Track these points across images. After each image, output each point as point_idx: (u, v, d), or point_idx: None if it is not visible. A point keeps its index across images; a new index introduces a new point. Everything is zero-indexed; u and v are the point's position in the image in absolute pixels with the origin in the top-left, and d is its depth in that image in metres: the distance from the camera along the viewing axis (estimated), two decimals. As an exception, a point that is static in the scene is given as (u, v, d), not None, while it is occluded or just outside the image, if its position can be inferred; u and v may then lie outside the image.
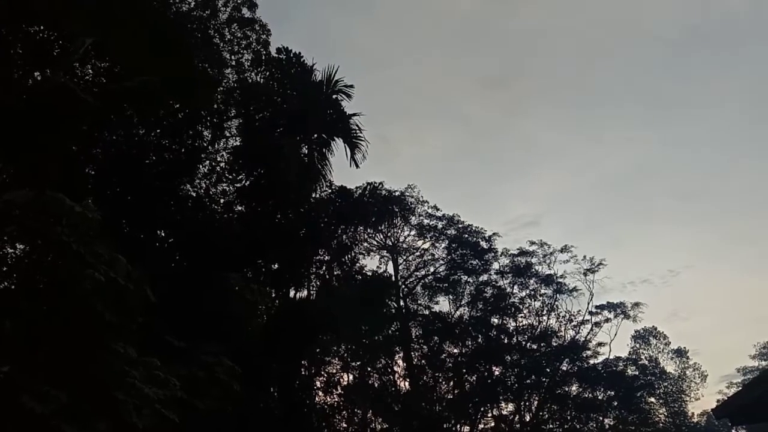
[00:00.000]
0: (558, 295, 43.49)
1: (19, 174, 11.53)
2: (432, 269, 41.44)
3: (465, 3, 67.90)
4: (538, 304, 43.57)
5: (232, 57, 22.56)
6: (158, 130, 19.16)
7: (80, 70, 16.56)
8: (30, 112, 9.80)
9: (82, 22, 12.11)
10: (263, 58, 23.67)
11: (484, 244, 41.56)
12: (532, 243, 43.34)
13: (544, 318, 43.77)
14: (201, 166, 21.46)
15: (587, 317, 44.44)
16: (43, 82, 12.76)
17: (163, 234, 19.68)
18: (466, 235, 41.39)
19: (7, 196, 9.78)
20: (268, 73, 24.28)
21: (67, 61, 13.03)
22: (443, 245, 41.35)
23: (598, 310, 44.78)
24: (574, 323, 44.24)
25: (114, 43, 13.07)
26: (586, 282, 43.76)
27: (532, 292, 43.37)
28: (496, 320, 42.41)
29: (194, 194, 20.87)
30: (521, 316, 43.26)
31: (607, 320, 44.76)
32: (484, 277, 42.01)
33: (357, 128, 26.53)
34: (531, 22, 73.01)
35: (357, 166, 26.61)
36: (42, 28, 14.55)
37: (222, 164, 22.48)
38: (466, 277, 41.45)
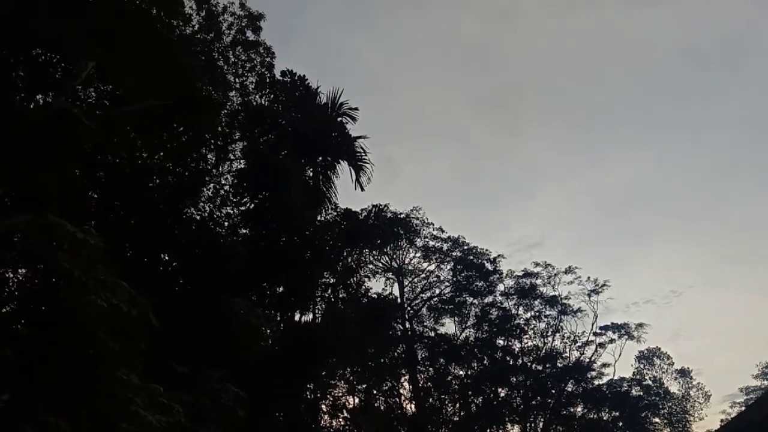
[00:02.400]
0: (563, 316, 43.54)
1: (21, 198, 11.40)
2: (437, 291, 41.30)
3: (466, 25, 68.49)
4: (543, 325, 43.52)
5: (237, 80, 22.54)
6: (162, 153, 19.03)
7: (83, 93, 16.52)
8: (32, 136, 9.69)
9: (85, 45, 12.06)
10: (268, 80, 23.65)
11: (489, 266, 41.47)
12: (537, 264, 43.41)
13: (549, 339, 43.69)
14: (205, 189, 21.30)
15: (592, 338, 44.46)
16: (45, 106, 12.69)
17: (166, 258, 19.46)
18: (471, 257, 41.29)
19: (8, 221, 9.64)
20: (272, 96, 24.26)
21: (69, 84, 12.96)
22: (448, 267, 41.31)
23: (603, 331, 44.71)
24: (578, 344, 44.16)
25: (117, 66, 13.01)
26: (591, 303, 43.76)
27: (537, 314, 43.33)
28: (501, 342, 42.27)
29: (198, 217, 20.69)
30: (526, 338, 43.26)
31: (612, 341, 44.73)
32: (489, 299, 41.97)
33: (362, 151, 26.46)
34: (531, 43, 73.57)
35: (362, 189, 26.48)
36: (44, 51, 14.53)
37: (226, 187, 22.33)
38: (472, 298, 41.29)
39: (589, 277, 43.80)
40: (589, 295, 43.64)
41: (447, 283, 41.41)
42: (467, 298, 41.20)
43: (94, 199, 17.39)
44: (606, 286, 43.56)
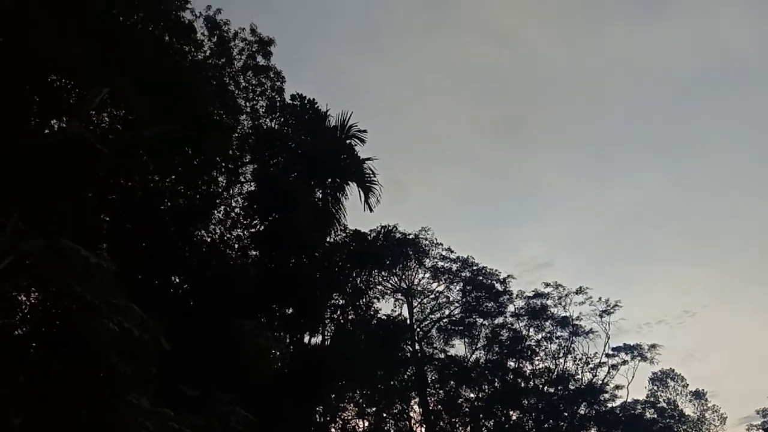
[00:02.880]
0: (574, 337, 43.03)
1: (35, 222, 11.55)
2: (447, 312, 41.05)
3: (474, 48, 69.03)
4: (554, 346, 43.04)
5: (247, 104, 22.83)
6: (173, 176, 19.26)
7: (96, 118, 16.80)
8: (46, 160, 9.85)
9: (99, 71, 12.29)
10: (278, 104, 23.94)
11: (498, 287, 41.24)
12: (547, 285, 43.05)
13: (561, 361, 43.18)
14: (216, 212, 21.51)
15: (604, 359, 43.89)
16: (59, 132, 12.91)
17: (177, 280, 19.59)
18: (481, 278, 41.08)
19: (22, 245, 9.76)
20: (282, 119, 24.53)
21: (83, 109, 13.19)
22: (458, 288, 41.08)
23: (615, 353, 44.18)
24: (591, 366, 43.60)
25: (130, 92, 13.23)
26: (602, 324, 43.31)
27: (548, 335, 42.89)
28: (512, 363, 41.85)
29: (209, 240, 20.86)
30: (538, 359, 42.77)
31: (624, 362, 44.15)
32: (499, 320, 41.63)
33: (371, 172, 26.59)
34: (538, 65, 73.95)
35: (371, 210, 26.57)
36: (58, 77, 14.81)
37: (237, 209, 22.52)
38: (482, 319, 41.01)
39: (600, 298, 43.42)
40: (601, 316, 43.23)
41: (456, 304, 41.21)
42: (477, 319, 40.93)
43: (106, 222, 17.58)
44: (618, 307, 43.14)
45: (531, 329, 42.59)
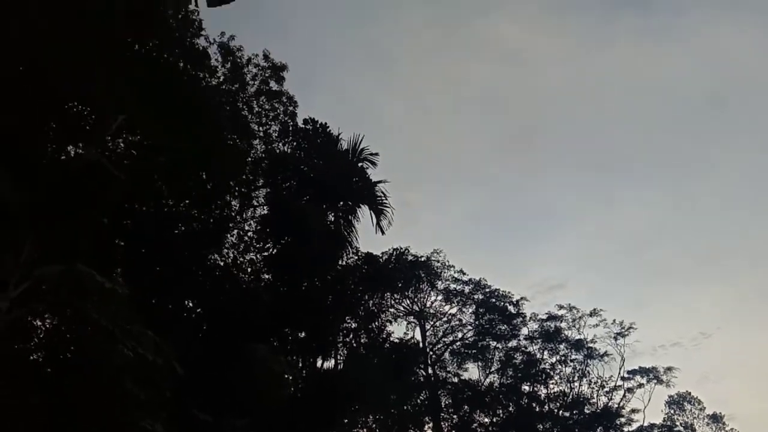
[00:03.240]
0: (589, 360, 42.56)
1: (51, 247, 11.67)
2: (460, 335, 40.72)
3: (481, 68, 69.45)
4: (569, 369, 42.52)
5: (260, 128, 23.06)
6: (187, 201, 19.43)
7: (112, 143, 17.04)
8: (63, 186, 9.98)
9: (116, 98, 12.48)
10: (290, 128, 24.17)
11: (511, 309, 40.90)
12: (561, 307, 42.69)
13: (576, 384, 42.59)
14: (229, 236, 21.62)
15: (619, 383, 43.31)
16: (76, 158, 13.09)
17: (191, 304, 19.65)
18: (494, 300, 40.79)
19: (39, 271, 9.85)
20: (295, 143, 24.75)
21: (100, 136, 13.39)
22: (470, 310, 40.79)
23: (631, 376, 43.58)
24: (606, 389, 43.01)
25: (145, 118, 13.42)
26: (617, 346, 42.84)
27: (563, 358, 42.41)
28: (527, 387, 41.37)
29: (222, 264, 20.94)
30: (552, 383, 42.18)
31: (640, 385, 43.53)
32: (513, 343, 41.19)
33: (382, 195, 26.70)
34: (546, 86, 74.11)
35: (383, 233, 26.63)
36: (76, 104, 15.06)
37: (250, 233, 22.64)
38: (495, 342, 40.64)
39: (614, 320, 42.98)
40: (616, 338, 42.77)
41: (469, 327, 40.86)
42: (490, 343, 40.56)
43: (121, 247, 17.70)
44: (632, 329, 42.69)
45: (545, 352, 42.19)
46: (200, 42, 19.08)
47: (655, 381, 43.54)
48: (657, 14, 70.21)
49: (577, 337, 42.48)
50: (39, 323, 14.35)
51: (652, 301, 74.67)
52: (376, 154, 26.89)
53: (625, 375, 43.29)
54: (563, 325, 42.37)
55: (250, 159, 21.74)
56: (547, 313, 42.43)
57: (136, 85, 10.91)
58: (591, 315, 42.54)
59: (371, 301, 27.47)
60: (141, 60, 11.16)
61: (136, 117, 13.71)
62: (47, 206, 9.97)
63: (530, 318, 41.78)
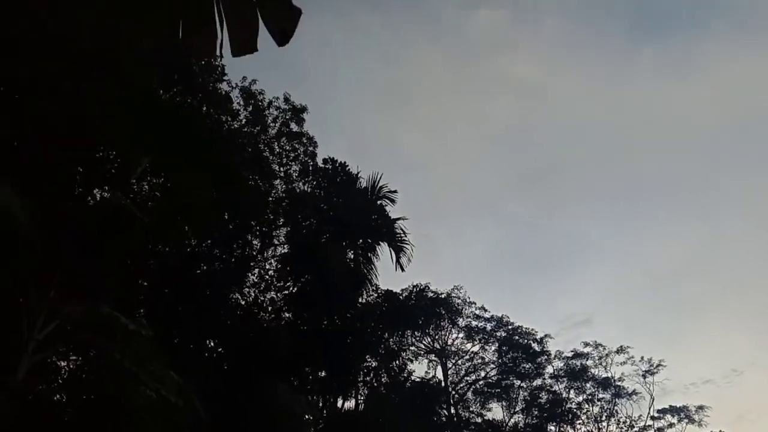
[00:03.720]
0: (617, 399, 41.43)
1: (76, 288, 11.92)
2: (483, 373, 40.07)
3: (500, 103, 69.77)
4: (596, 409, 41.45)
5: (281, 168, 23.45)
6: (209, 241, 19.72)
7: (137, 186, 17.46)
8: (90, 230, 10.24)
9: (142, 143, 12.87)
10: (310, 168, 24.56)
11: (536, 347, 40.24)
12: (587, 344, 41.87)
13: (604, 424, 41.44)
14: (250, 275, 21.83)
15: (649, 422, 41.89)
16: (103, 202, 13.44)
17: (212, 344, 19.75)
18: (517, 337, 40.20)
19: (64, 311, 10.07)
20: (315, 183, 25.11)
21: (126, 179, 13.77)
22: (493, 348, 40.18)
23: (661, 415, 42.18)
24: (635, 429, 41.66)
25: (170, 161, 13.79)
26: (646, 384, 41.68)
27: (590, 397, 41.40)
28: (552, 428, 40.34)
29: (243, 303, 21.09)
30: (579, 423, 41.04)
31: (671, 425, 42.04)
32: (538, 382, 40.38)
33: (401, 232, 26.84)
34: (568, 119, 74.16)
35: (402, 270, 26.69)
36: (103, 149, 15.55)
37: (270, 272, 22.83)
38: (519, 381, 39.88)
39: (642, 357, 41.94)
40: (644, 376, 41.67)
41: (492, 365, 40.23)
42: (514, 381, 39.82)
43: (144, 287, 17.96)
44: (661, 366, 41.58)
45: (571, 391, 41.24)
46: (223, 87, 19.60)
47: (687, 420, 42.13)
48: (675, 48, 70.26)
49: (605, 375, 41.57)
50: (63, 363, 14.55)
51: (681, 336, 72.82)
52: (395, 191, 27.18)
53: (655, 414, 42.02)
54: (589, 362, 41.54)
55: (271, 199, 22.07)
56: (572, 351, 41.68)
57: (161, 130, 11.27)
58: (618, 352, 41.67)
59: (391, 339, 27.34)
60: (166, 106, 11.55)
61: (161, 160, 14.08)
62: (74, 248, 10.22)
63: (555, 356, 41.04)
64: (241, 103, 21.70)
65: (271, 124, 22.80)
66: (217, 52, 5.71)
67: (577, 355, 41.46)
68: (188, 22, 5.42)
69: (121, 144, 13.40)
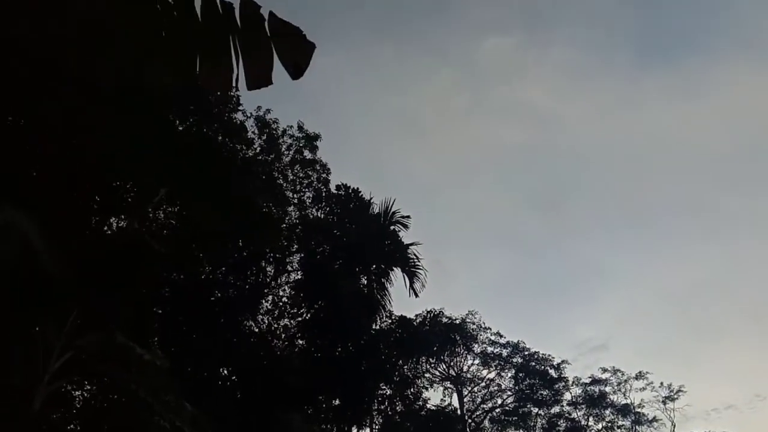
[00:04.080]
0: (637, 426, 40.82)
1: (92, 318, 11.99)
2: (499, 401, 39.55)
3: (511, 128, 69.87)
4: (616, 437, 40.66)
5: (295, 195, 23.66)
6: (224, 268, 19.82)
7: (153, 214, 17.65)
8: (106, 258, 10.33)
9: (156, 173, 13.02)
10: (324, 194, 24.73)
11: (553, 373, 39.66)
12: (604, 370, 41.31)
13: (625, 453, 40.61)
14: (264, 301, 21.86)
15: (672, 450, 41.01)
16: (120, 232, 13.59)
17: (225, 372, 19.70)
18: (533, 363, 39.68)
19: (79, 341, 10.10)
20: (328, 209, 25.23)
21: (141, 209, 13.92)
22: (510, 374, 39.69)
23: (682, 442, 41.36)
24: (658, 457, 40.82)
25: (185, 191, 13.92)
26: (666, 411, 40.95)
27: (609, 424, 40.77)
28: (572, 457, 39.58)
29: (257, 330, 21.08)
30: (599, 452, 40.29)
31: (694, 452, 41.22)
32: (555, 409, 39.78)
33: (415, 257, 26.76)
34: (579, 143, 74.07)
35: (416, 296, 26.55)
36: (120, 180, 15.76)
37: (284, 299, 22.84)
38: (537, 409, 39.30)
39: (662, 383, 41.24)
40: (664, 403, 40.95)
41: (509, 392, 39.69)
42: (532, 409, 39.23)
43: (159, 315, 18.02)
44: (682, 392, 40.86)
45: (590, 418, 40.62)
46: (238, 116, 19.95)
47: (710, 447, 41.31)
48: (683, 71, 70.15)
49: (624, 401, 40.93)
50: (77, 392, 14.57)
51: (701, 361, 71.48)
52: (408, 216, 27.18)
53: (677, 442, 41.23)
54: (608, 389, 40.95)
55: (284, 225, 22.20)
56: (590, 377, 41.13)
57: (177, 160, 11.41)
58: (637, 378, 41.04)
59: (406, 367, 27.09)
60: (183, 136, 11.73)
61: (176, 190, 14.21)
62: (91, 279, 10.30)
63: (573, 382, 40.50)
64: (256, 132, 22.03)
65: (285, 152, 23.08)
66: (233, 86, 5.80)
67: (595, 381, 40.90)
68: (205, 57, 5.54)
69: (138, 174, 13.56)
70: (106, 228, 15.95)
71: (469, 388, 39.25)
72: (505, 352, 39.74)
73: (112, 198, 15.62)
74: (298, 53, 5.30)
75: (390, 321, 26.45)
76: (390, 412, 25.71)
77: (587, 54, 67.64)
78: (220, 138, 17.99)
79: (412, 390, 26.42)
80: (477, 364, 39.44)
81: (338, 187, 25.91)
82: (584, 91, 68.40)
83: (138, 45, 5.45)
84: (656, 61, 73.96)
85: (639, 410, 40.66)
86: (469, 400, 38.87)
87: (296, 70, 5.36)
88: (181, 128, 16.12)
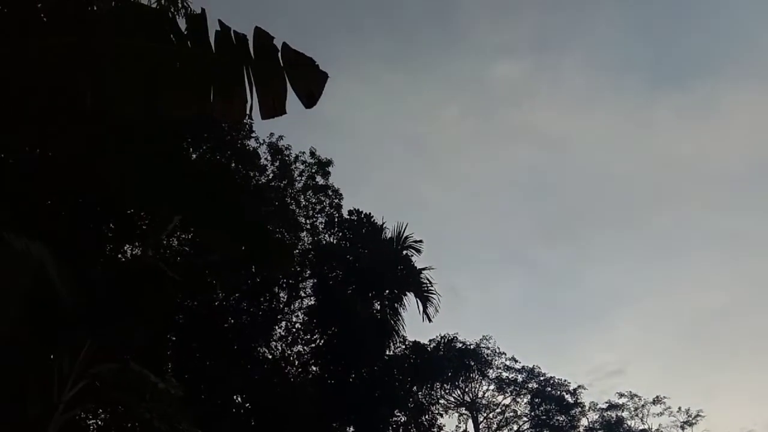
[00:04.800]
0: (656, 452, 39.89)
1: (106, 346, 12.01)
2: (515, 427, 39.02)
3: (523, 152, 69.85)
4: (635, 464, 39.91)
5: (307, 221, 23.77)
6: (237, 294, 19.85)
7: (166, 241, 17.76)
8: (121, 288, 10.38)
9: (170, 201, 13.11)
10: (336, 220, 24.81)
11: (569, 398, 39.17)
12: (621, 395, 40.81)
13: (644, 479, 39.81)
14: (277, 328, 21.83)
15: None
16: (134, 260, 13.67)
17: (239, 399, 19.61)
18: (549, 389, 39.20)
19: (93, 369, 10.11)
20: (340, 234, 25.27)
21: (156, 237, 14.00)
22: (525, 400, 39.29)
23: (702, 467, 40.48)
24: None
25: (199, 218, 14.00)
26: (685, 436, 40.14)
27: (628, 450, 39.94)
28: (591, 484, 38.84)
29: (270, 357, 21.01)
30: (619, 479, 39.49)
31: (714, 478, 40.29)
32: (573, 435, 39.11)
33: (428, 282, 26.66)
34: (592, 167, 73.91)
35: (430, 321, 26.39)
36: (132, 205, 15.91)
37: (297, 324, 22.82)
38: (553, 435, 38.67)
39: (680, 407, 40.67)
40: (683, 428, 40.38)
41: (525, 418, 39.19)
42: (549, 435, 38.66)
43: (172, 342, 18.02)
44: (700, 417, 40.24)
45: (608, 445, 39.90)
46: (251, 143, 20.16)
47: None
48: (696, 94, 70.08)
49: (641, 427, 40.40)
50: (92, 421, 14.53)
51: (720, 385, 70.13)
52: (420, 241, 27.14)
53: (697, 467, 40.38)
54: (625, 414, 40.45)
55: (297, 251, 22.25)
56: (607, 402, 40.66)
57: (191, 187, 11.49)
58: (654, 403, 40.52)
59: (420, 393, 26.83)
60: (196, 164, 11.84)
61: (190, 217, 14.29)
62: (105, 306, 10.34)
63: (589, 407, 40.08)
64: (269, 158, 22.23)
65: (298, 178, 23.24)
66: (247, 115, 5.86)
67: (612, 406, 40.40)
68: (219, 88, 5.61)
69: (152, 202, 13.68)
70: (120, 255, 16.06)
71: (485, 414, 38.80)
72: (520, 378, 39.40)
73: (127, 226, 15.76)
74: (311, 83, 5.38)
75: (404, 346, 26.29)
76: (405, 440, 25.39)
77: (599, 78, 67.84)
78: (233, 164, 18.17)
79: (426, 417, 26.10)
80: (492, 390, 39.13)
81: (351, 213, 25.99)
82: (596, 115, 68.47)
83: (152, 76, 5.55)
84: (669, 85, 74.00)
85: (658, 436, 40.01)
86: (484, 427, 38.42)
87: (309, 100, 5.44)
88: (194, 155, 16.31)
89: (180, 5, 13.82)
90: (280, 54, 5.22)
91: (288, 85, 5.34)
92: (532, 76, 65.97)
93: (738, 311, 73.10)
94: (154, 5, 13.71)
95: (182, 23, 5.51)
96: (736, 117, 69.08)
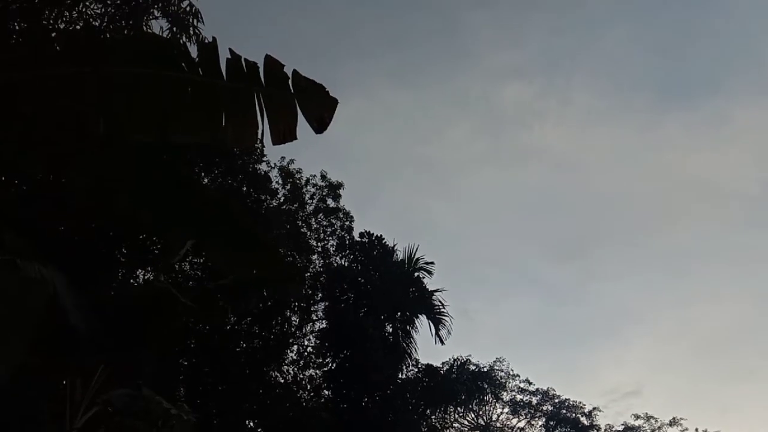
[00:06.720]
0: (672, 474, 39.03)
1: (118, 371, 12.00)
2: (531, 450, 38.36)
3: (533, 172, 69.85)
4: (653, 487, 39.07)
5: (318, 244, 23.81)
6: (249, 318, 19.82)
7: (178, 266, 17.82)
8: (134, 315, 10.39)
9: (181, 226, 13.17)
10: (347, 242, 24.82)
11: (584, 420, 38.54)
12: (637, 417, 40.05)
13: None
14: (289, 351, 21.76)
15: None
16: (147, 285, 13.71)
17: (251, 424, 19.49)
18: (564, 411, 38.63)
19: (105, 395, 10.08)
20: (351, 256, 25.25)
21: (168, 263, 14.04)
22: (540, 423, 38.66)
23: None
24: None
25: (210, 244, 14.04)
26: (703, 457, 39.27)
27: (645, 473, 39.11)
28: None
29: (282, 381, 20.90)
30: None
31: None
32: (589, 458, 38.41)
33: (440, 304, 26.54)
34: (602, 186, 73.52)
35: (442, 343, 26.22)
36: (144, 231, 16.01)
37: (309, 348, 22.73)
38: (570, 458, 38.01)
39: (697, 429, 39.81)
40: (699, 449, 39.40)
41: (540, 442, 38.56)
42: (564, 459, 38.01)
43: (184, 366, 17.98)
44: (718, 437, 39.28)
45: (625, 468, 39.14)
46: (262, 167, 20.30)
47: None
48: (705, 113, 69.74)
49: (658, 450, 39.43)
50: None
51: (737, 405, 68.83)
52: (432, 262, 27.06)
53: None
54: (642, 436, 39.53)
55: (308, 274, 22.25)
56: (623, 424, 39.89)
57: (203, 212, 11.53)
58: (671, 424, 39.68)
59: (434, 416, 26.58)
60: (207, 189, 11.91)
61: (201, 241, 14.33)
62: (117, 332, 10.35)
63: (605, 429, 39.32)
64: (280, 182, 22.36)
65: (309, 201, 23.35)
66: (258, 141, 5.89)
67: (628, 428, 39.70)
68: (231, 115, 5.66)
69: (163, 227, 13.76)
70: (132, 280, 16.13)
71: (500, 438, 38.23)
72: (534, 400, 38.84)
73: (139, 251, 15.85)
74: (321, 109, 5.40)
75: (416, 369, 26.11)
76: (418, 465, 25.07)
77: (607, 98, 67.72)
78: (244, 188, 18.28)
79: (440, 441, 25.82)
80: (506, 413, 38.53)
81: (362, 235, 25.98)
82: (606, 133, 68.25)
83: (165, 103, 5.61)
84: (678, 102, 73.82)
85: (675, 458, 39.20)
86: (499, 451, 37.81)
87: (320, 125, 5.46)
88: (206, 180, 16.42)
89: (191, 33, 14.06)
90: (290, 81, 5.26)
91: (299, 110, 5.38)
92: (542, 97, 66.09)
93: (755, 330, 71.97)
94: (166, 34, 13.99)
95: (193, 51, 5.57)
96: (746, 133, 68.67)
